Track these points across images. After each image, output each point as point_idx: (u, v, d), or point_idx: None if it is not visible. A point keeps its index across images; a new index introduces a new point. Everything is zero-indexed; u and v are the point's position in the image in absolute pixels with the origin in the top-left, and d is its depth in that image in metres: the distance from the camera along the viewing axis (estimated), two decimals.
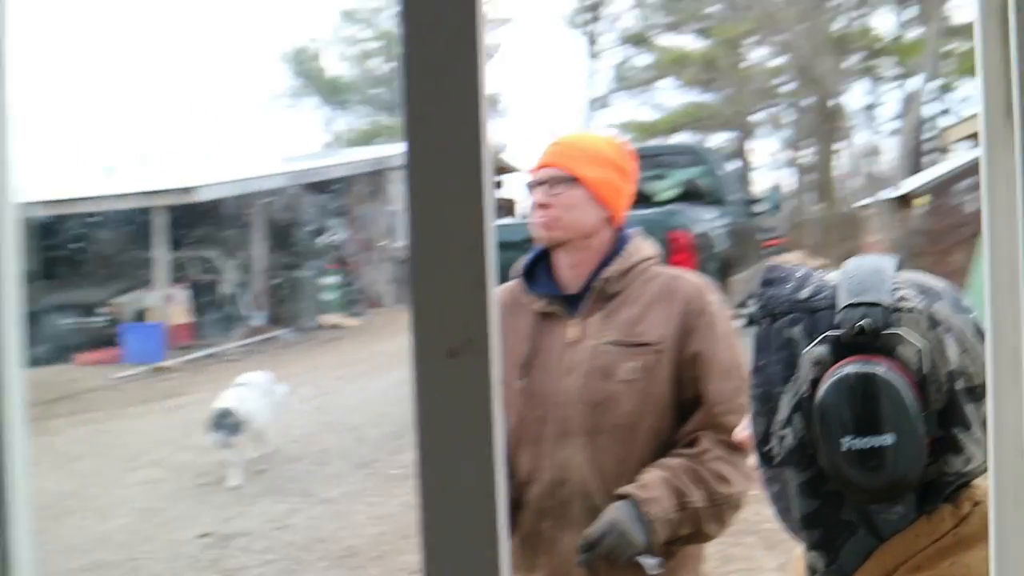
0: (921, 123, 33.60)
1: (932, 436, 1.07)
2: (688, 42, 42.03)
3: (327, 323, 20.64)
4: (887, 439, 1.04)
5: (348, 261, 23.45)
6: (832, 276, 1.20)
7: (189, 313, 17.95)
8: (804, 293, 1.17)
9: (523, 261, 2.51)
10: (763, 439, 1.18)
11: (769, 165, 45.68)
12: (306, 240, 25.10)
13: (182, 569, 6.46)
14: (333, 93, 46.63)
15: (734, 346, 2.34)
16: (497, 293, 2.31)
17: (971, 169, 17.57)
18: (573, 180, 2.34)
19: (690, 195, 10.86)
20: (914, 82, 27.48)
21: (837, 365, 1.08)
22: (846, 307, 1.10)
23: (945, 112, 38.57)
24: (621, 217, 2.43)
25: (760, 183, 36.18)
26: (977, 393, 1.09)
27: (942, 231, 17.19)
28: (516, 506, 2.31)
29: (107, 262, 21.34)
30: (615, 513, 2.11)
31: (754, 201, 12.89)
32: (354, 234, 23.58)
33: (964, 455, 1.10)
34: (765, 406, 1.17)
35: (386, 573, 6.04)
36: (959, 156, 22.40)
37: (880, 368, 1.05)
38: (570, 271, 2.39)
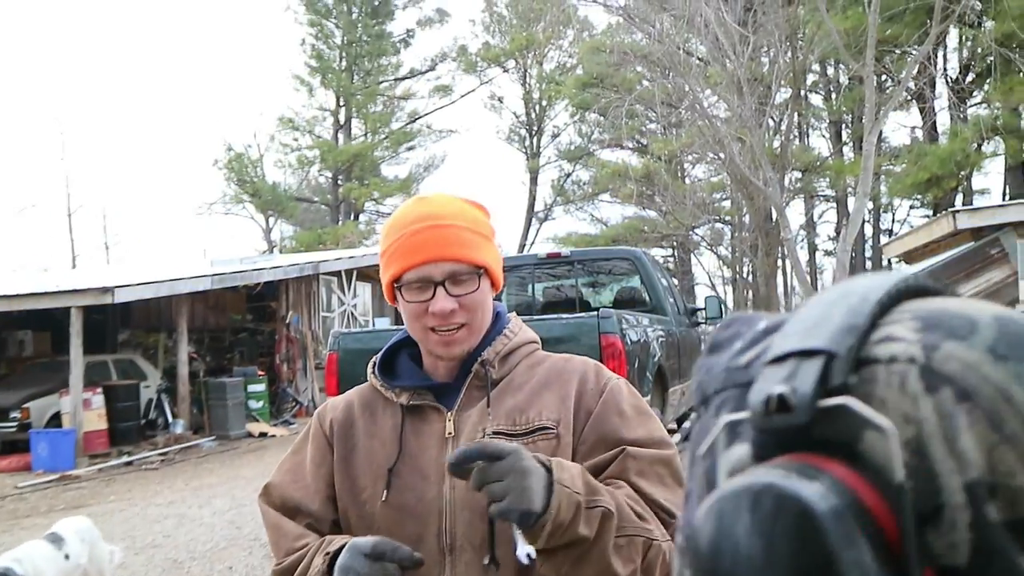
0: (860, 239, 33.98)
1: None
2: (627, 157, 42.61)
3: (254, 431, 19.94)
4: None
5: (278, 367, 22.81)
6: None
7: (105, 419, 17.09)
8: (747, 355, 0.60)
9: (379, 353, 2.02)
10: None
11: (710, 280, 46.12)
12: (235, 345, 24.50)
13: None
14: (269, 201, 46.41)
15: (649, 424, 1.84)
16: (351, 394, 1.63)
17: None
18: (480, 272, 1.85)
19: (627, 302, 10.50)
20: (852, 199, 27.73)
21: (737, 479, 0.52)
22: (770, 362, 0.55)
23: (885, 231, 39.29)
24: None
25: (701, 296, 36.33)
26: None
27: None
28: None
29: (21, 363, 20.55)
30: (525, 457, 1.55)
31: (695, 311, 12.51)
32: (284, 340, 22.98)
33: None
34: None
35: None
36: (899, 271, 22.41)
37: (812, 487, 0.47)
38: (446, 368, 1.92)
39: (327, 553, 1.72)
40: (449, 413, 1.86)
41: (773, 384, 0.53)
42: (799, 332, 0.55)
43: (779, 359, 0.54)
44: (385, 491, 1.83)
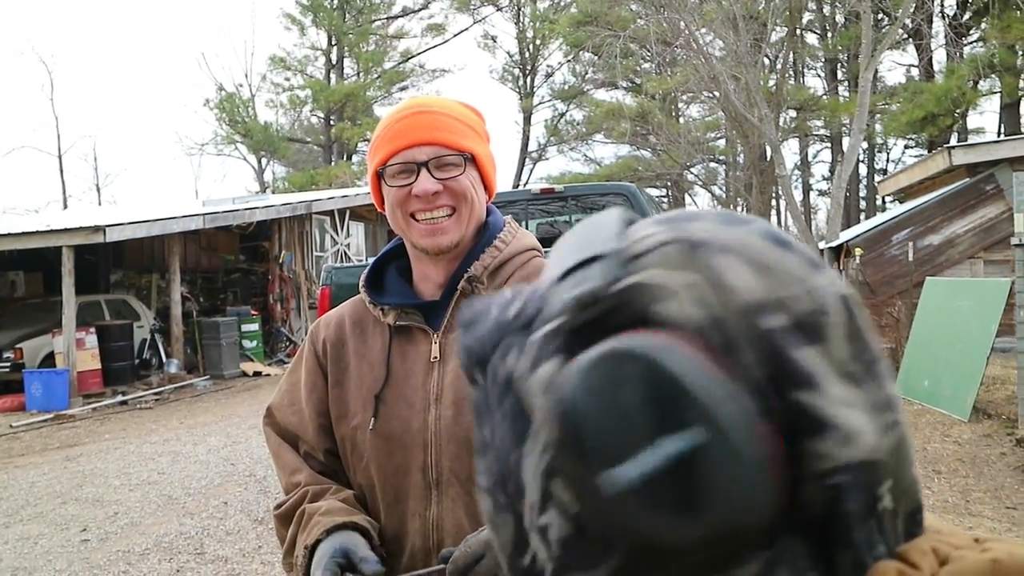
0: (855, 179, 33.86)
1: (771, 422, 0.59)
2: (621, 96, 42.33)
3: (248, 371, 19.98)
4: (684, 441, 0.57)
5: (271, 307, 22.78)
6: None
7: (99, 358, 17.06)
8: (511, 310, 0.72)
9: (367, 267, 1.93)
10: (517, 548, 0.67)
11: None
12: (228, 285, 24.47)
13: None
14: (261, 141, 46.09)
15: None
16: (344, 309, 1.54)
17: (905, 220, 17.45)
18: (468, 158, 1.76)
19: None
20: (847, 139, 27.65)
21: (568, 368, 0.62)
22: (555, 283, 0.68)
23: (879, 171, 39.19)
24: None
25: None
26: (810, 327, 0.63)
27: (880, 281, 16.99)
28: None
29: (14, 303, 20.49)
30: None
31: None
32: (277, 279, 22.93)
33: (835, 433, 0.61)
34: (506, 495, 0.67)
35: None
36: (894, 209, 22.38)
37: (636, 341, 0.60)
38: (434, 274, 1.82)
39: (306, 546, 1.67)
40: (435, 335, 1.78)
41: (569, 292, 0.65)
42: (572, 254, 0.68)
43: (563, 276, 0.67)
44: (372, 418, 1.76)
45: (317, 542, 1.66)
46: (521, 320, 0.69)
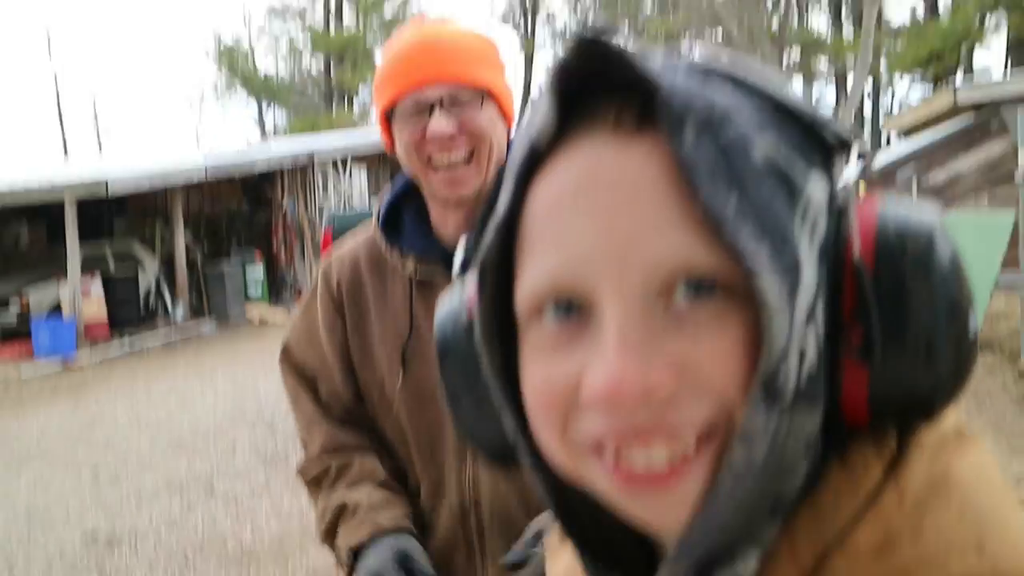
0: (860, 119, 33.69)
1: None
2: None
3: (253, 316, 20.01)
4: (975, 318, 0.58)
5: (275, 253, 22.77)
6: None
7: (105, 307, 17.09)
8: (728, 102, 0.58)
9: (381, 205, 1.79)
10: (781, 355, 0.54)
11: None
12: (232, 231, 24.47)
13: (62, 573, 5.81)
14: (262, 89, 45.89)
15: None
16: (357, 247, 1.45)
17: (910, 157, 17.40)
18: (484, 94, 1.62)
19: None
20: (851, 76, 27.48)
21: (876, 203, 0.58)
22: (815, 114, 0.59)
23: (884, 113, 38.95)
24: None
25: None
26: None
27: None
28: (424, 530, 1.71)
29: (18, 255, 20.53)
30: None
31: None
32: (281, 225, 22.90)
33: None
34: (786, 289, 0.55)
35: (286, 574, 5.46)
36: (897, 146, 22.30)
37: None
38: (454, 218, 1.70)
39: (351, 547, 1.63)
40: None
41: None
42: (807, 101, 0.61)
43: (804, 113, 0.59)
44: (401, 372, 1.69)
45: (361, 545, 1.63)
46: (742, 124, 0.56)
